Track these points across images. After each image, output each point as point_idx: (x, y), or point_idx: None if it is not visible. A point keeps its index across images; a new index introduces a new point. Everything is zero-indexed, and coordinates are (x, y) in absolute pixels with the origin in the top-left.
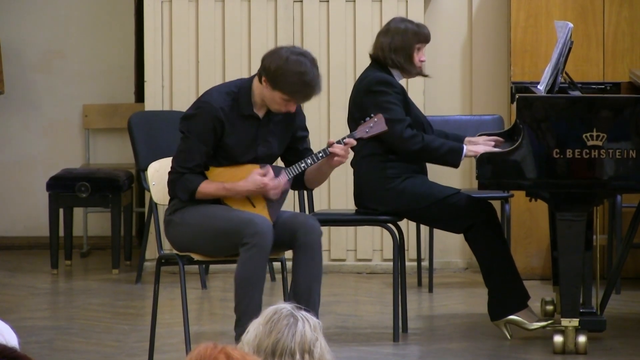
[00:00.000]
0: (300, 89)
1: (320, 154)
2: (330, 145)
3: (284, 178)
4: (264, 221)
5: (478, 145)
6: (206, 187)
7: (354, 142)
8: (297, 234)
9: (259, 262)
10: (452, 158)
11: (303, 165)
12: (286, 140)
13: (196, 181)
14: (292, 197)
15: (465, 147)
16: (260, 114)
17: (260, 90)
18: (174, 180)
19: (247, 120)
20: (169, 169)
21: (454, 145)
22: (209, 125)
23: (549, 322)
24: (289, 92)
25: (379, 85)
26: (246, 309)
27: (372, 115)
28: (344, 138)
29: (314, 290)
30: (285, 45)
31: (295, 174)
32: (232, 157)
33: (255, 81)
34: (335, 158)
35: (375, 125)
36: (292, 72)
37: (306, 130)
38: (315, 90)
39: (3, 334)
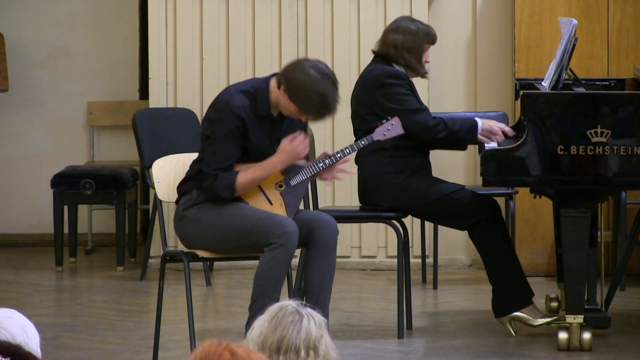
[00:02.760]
0: (318, 110)
1: (339, 154)
2: (326, 156)
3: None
4: (291, 223)
5: (490, 121)
6: (244, 176)
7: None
8: (315, 231)
9: (282, 263)
10: (470, 136)
11: (321, 165)
12: None
13: (232, 175)
14: None
15: (479, 120)
16: (275, 114)
17: (276, 93)
18: (212, 183)
19: (263, 121)
20: (203, 176)
21: (470, 124)
22: (234, 124)
23: (554, 318)
24: (304, 109)
25: (390, 78)
26: (262, 307)
27: (388, 117)
28: (337, 153)
29: (326, 287)
30: (310, 59)
31: (313, 173)
32: (254, 156)
33: (273, 83)
34: (326, 176)
35: (393, 128)
36: (313, 92)
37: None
38: (332, 112)
39: (26, 330)
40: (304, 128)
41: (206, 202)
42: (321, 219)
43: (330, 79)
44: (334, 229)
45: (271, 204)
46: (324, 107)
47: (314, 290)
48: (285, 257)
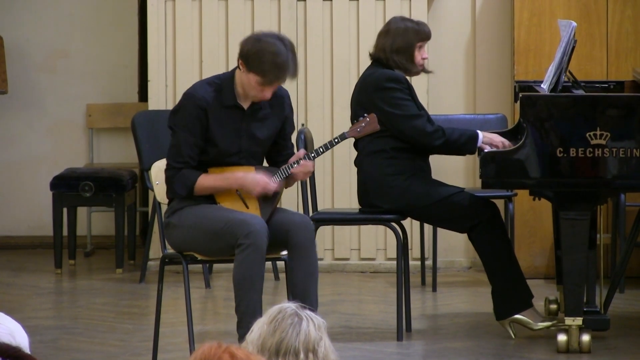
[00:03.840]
0: (272, 69)
1: (313, 154)
2: (299, 158)
3: (276, 180)
4: (257, 221)
5: (492, 134)
6: (204, 180)
7: (310, 165)
8: (290, 234)
9: (255, 262)
10: (470, 147)
11: (296, 165)
12: (273, 135)
13: (194, 175)
14: (295, 196)
15: (480, 133)
16: (245, 105)
17: (240, 78)
18: (171, 176)
19: (231, 111)
20: (165, 167)
21: (471, 134)
22: (194, 115)
23: (554, 322)
24: (260, 72)
25: (389, 82)
26: (246, 309)
27: (365, 115)
28: (312, 153)
29: (311, 289)
30: (262, 30)
31: (286, 175)
32: (217, 150)
33: (237, 71)
34: (301, 177)
35: (367, 124)
36: (265, 52)
37: (293, 127)
38: (288, 71)
39: (14, 334)
40: (284, 122)
41: (186, 207)
42: (294, 221)
43: (279, 39)
44: (309, 229)
45: (247, 207)
46: (276, 66)
47: (299, 293)
48: (256, 256)
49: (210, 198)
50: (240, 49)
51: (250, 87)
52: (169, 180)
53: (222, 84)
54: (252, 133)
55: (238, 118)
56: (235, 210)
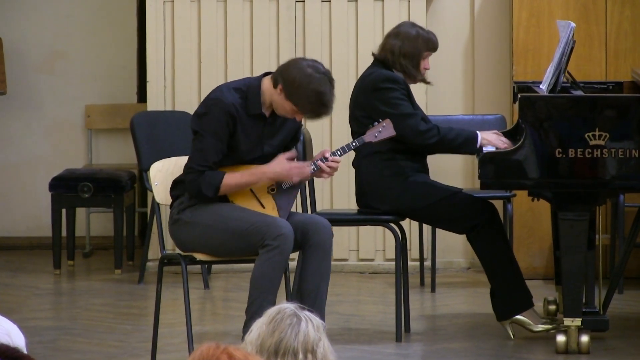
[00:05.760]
0: (315, 109)
1: (329, 157)
2: (324, 155)
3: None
4: (286, 224)
5: (491, 135)
6: (230, 178)
7: (338, 160)
8: (310, 233)
9: (278, 264)
10: (468, 148)
11: (313, 167)
12: (288, 139)
13: (218, 175)
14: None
15: (479, 133)
16: (267, 113)
17: (270, 92)
18: (195, 179)
19: (255, 119)
20: (186, 170)
21: (469, 135)
22: (223, 121)
23: (554, 325)
24: (302, 108)
25: (386, 82)
26: (258, 310)
27: (380, 120)
28: (334, 152)
29: (322, 290)
30: (306, 58)
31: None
32: (237, 155)
33: (266, 82)
34: (323, 174)
35: (384, 130)
36: (311, 91)
37: (301, 131)
38: (329, 110)
39: (10, 334)
40: (298, 128)
41: (200, 204)
42: (316, 221)
43: (327, 77)
44: (329, 232)
45: (264, 207)
46: (321, 105)
47: (310, 293)
48: (280, 258)
49: (223, 196)
50: (283, 75)
51: (282, 109)
52: (193, 183)
53: (248, 91)
54: (272, 139)
55: (260, 126)
56: (257, 211)
